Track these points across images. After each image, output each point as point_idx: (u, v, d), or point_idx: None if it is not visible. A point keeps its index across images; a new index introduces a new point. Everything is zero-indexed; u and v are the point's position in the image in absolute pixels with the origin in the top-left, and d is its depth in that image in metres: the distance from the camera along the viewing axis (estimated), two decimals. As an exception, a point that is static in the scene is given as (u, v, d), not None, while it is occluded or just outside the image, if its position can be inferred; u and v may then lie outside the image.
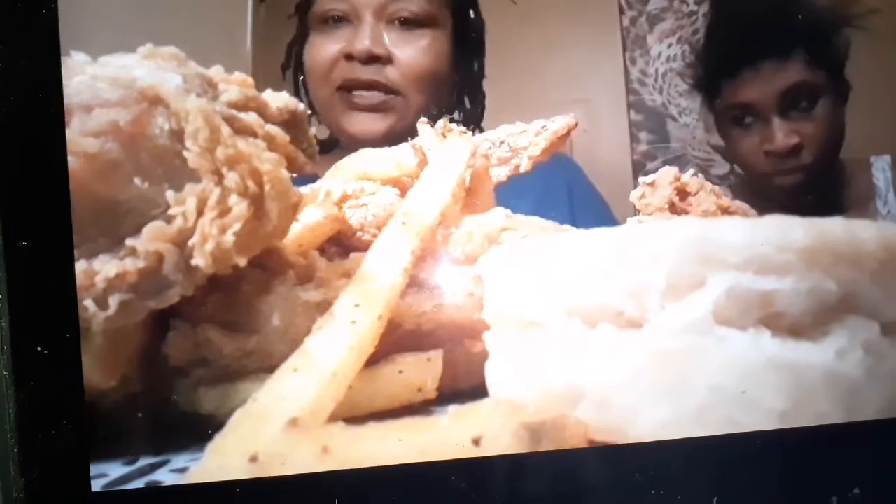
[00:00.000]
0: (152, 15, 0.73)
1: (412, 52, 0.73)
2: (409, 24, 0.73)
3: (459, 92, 0.80)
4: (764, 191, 0.98)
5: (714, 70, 0.99)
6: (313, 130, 0.53)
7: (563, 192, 0.76)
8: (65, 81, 0.43)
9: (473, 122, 0.83)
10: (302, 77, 0.77)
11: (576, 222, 0.55)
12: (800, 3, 0.98)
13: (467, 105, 0.80)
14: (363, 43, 0.71)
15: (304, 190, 0.55)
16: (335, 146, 0.75)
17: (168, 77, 0.45)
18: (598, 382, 0.40)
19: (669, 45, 0.98)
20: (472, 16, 0.77)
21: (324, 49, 0.73)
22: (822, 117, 0.95)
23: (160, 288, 0.42)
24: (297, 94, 0.76)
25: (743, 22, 0.99)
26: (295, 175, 0.48)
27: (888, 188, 0.92)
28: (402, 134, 0.57)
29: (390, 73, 0.73)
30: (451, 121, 0.60)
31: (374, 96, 0.73)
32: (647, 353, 0.39)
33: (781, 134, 0.94)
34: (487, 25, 0.85)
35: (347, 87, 0.73)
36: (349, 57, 0.72)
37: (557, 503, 0.43)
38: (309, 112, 0.67)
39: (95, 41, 0.47)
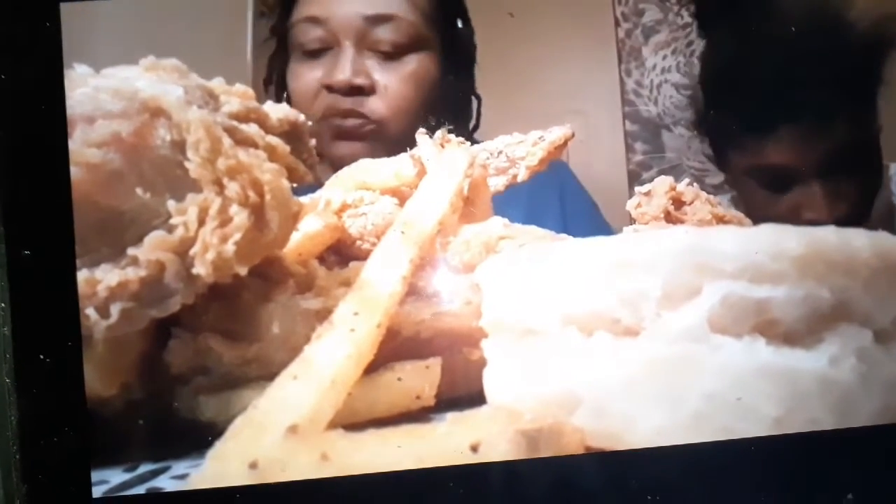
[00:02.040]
0: (154, 27, 0.73)
1: (396, 83, 0.70)
2: (389, 56, 0.70)
3: (446, 104, 0.77)
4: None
5: (738, 123, 0.82)
6: (313, 142, 0.53)
7: (554, 195, 0.74)
8: (68, 93, 0.44)
9: (465, 132, 0.80)
10: (285, 94, 0.75)
11: (567, 224, 0.54)
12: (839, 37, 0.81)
13: (454, 115, 0.78)
14: (344, 74, 0.69)
15: (304, 199, 0.55)
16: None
17: (170, 89, 0.45)
18: (595, 389, 0.40)
19: (664, 57, 0.99)
20: (459, 26, 0.74)
21: (305, 78, 0.71)
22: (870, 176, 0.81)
23: (161, 297, 0.42)
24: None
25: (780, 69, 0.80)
26: (295, 185, 0.48)
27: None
28: (385, 156, 0.56)
29: (373, 104, 0.70)
30: (450, 131, 0.61)
31: (356, 123, 0.70)
32: (643, 361, 0.39)
33: (824, 204, 0.79)
34: (484, 38, 0.85)
35: (329, 115, 0.70)
36: (330, 88, 0.70)
37: (555, 509, 0.44)
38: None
39: (98, 53, 0.48)
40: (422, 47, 0.72)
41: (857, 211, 0.82)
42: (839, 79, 0.78)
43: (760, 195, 0.82)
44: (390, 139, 0.71)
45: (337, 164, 0.58)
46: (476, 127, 0.81)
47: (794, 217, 0.81)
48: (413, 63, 0.71)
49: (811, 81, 0.79)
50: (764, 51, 0.81)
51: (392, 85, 0.70)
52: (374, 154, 0.59)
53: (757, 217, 0.73)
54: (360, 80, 0.69)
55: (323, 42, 0.70)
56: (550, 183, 0.73)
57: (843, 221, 0.71)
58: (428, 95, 0.73)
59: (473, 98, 0.80)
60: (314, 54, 0.70)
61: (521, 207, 0.56)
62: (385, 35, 0.70)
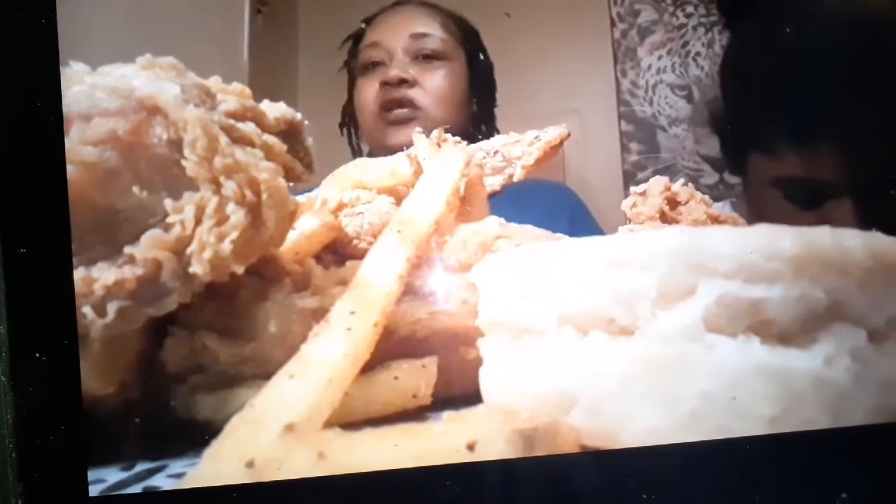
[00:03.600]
0: (151, 25, 0.73)
1: (433, 79, 0.93)
2: (430, 58, 0.93)
3: (476, 122, 0.97)
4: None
5: (774, 125, 0.73)
6: (310, 140, 0.53)
7: (564, 222, 0.86)
8: (64, 91, 0.43)
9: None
10: (355, 129, 0.97)
11: None
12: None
13: (483, 131, 0.98)
14: (394, 71, 0.92)
15: (301, 198, 0.55)
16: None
17: (166, 87, 0.45)
18: (591, 389, 0.40)
19: (660, 58, 0.99)
20: (481, 58, 0.96)
21: (368, 87, 0.93)
22: None
23: (158, 295, 0.42)
24: (350, 144, 0.97)
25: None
26: (292, 184, 0.48)
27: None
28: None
29: (416, 94, 0.92)
30: (446, 131, 0.61)
31: (404, 111, 0.91)
32: (638, 360, 0.39)
33: (857, 223, 0.68)
34: (481, 36, 0.95)
35: (385, 108, 0.92)
36: (385, 84, 0.92)
37: (550, 508, 0.44)
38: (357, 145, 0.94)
39: (94, 51, 0.48)
40: (451, 58, 0.94)
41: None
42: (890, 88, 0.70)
43: (784, 208, 0.74)
44: (434, 122, 0.90)
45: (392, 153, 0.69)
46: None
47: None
48: (445, 68, 0.94)
49: (861, 89, 0.71)
50: (806, 54, 0.73)
51: (429, 80, 0.92)
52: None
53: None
54: (405, 75, 0.92)
55: (379, 58, 0.93)
56: (560, 210, 0.87)
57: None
58: (457, 98, 0.95)
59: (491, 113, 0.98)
60: (372, 68, 0.93)
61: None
62: (425, 45, 0.93)
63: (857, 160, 0.71)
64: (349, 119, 0.99)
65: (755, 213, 0.77)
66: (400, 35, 0.94)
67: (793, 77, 0.73)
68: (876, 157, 0.70)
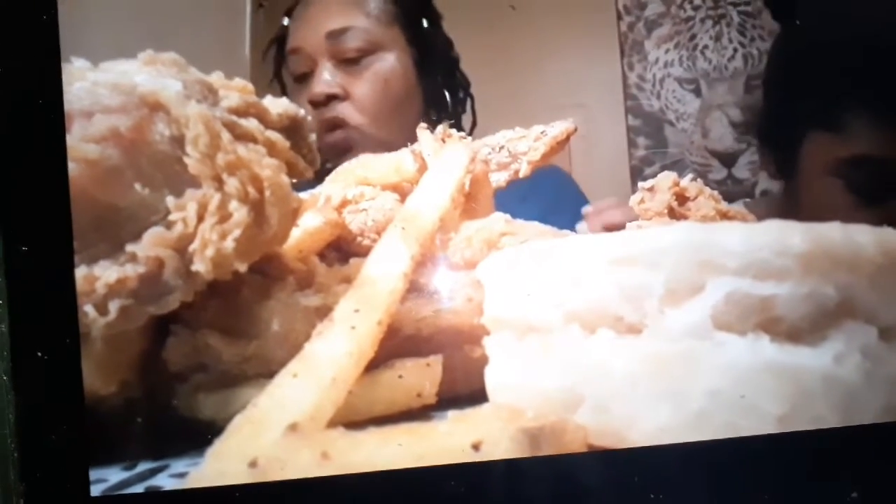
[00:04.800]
0: (152, 21, 0.73)
1: (362, 86, 0.79)
2: (355, 61, 0.80)
3: (432, 95, 0.83)
4: None
5: (842, 95, 0.65)
6: (313, 137, 0.53)
7: (550, 195, 0.78)
8: (65, 87, 0.43)
9: (454, 117, 0.87)
10: None
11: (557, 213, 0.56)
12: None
13: (445, 105, 0.85)
14: (318, 87, 0.79)
15: (304, 195, 0.55)
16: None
17: (168, 83, 0.45)
18: (598, 387, 0.40)
19: (667, 51, 0.99)
20: (425, 25, 0.82)
21: (300, 103, 0.79)
22: None
23: (160, 293, 0.42)
24: None
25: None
26: (295, 181, 0.48)
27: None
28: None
29: (345, 110, 0.79)
30: (451, 126, 0.60)
31: (339, 135, 0.79)
32: (645, 358, 0.39)
33: None
34: (486, 32, 0.89)
35: (322, 132, 0.78)
36: (313, 104, 0.79)
37: (557, 508, 0.43)
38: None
39: (96, 47, 0.48)
40: (382, 49, 0.80)
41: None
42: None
43: (845, 201, 0.65)
44: (375, 141, 0.78)
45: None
46: (474, 124, 0.85)
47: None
48: (374, 63, 0.80)
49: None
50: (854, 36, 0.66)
51: (358, 87, 0.79)
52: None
53: None
54: (331, 89, 0.79)
55: (307, 66, 0.80)
56: (545, 190, 0.77)
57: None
58: (399, 93, 0.81)
59: (464, 95, 0.87)
60: (302, 79, 0.80)
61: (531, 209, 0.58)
62: (345, 44, 0.79)
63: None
64: None
65: (806, 210, 0.70)
66: (317, 35, 0.80)
67: (867, 43, 0.65)
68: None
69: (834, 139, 0.67)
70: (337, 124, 0.79)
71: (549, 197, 0.77)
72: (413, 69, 0.82)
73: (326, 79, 0.79)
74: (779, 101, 0.76)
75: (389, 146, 0.59)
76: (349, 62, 0.79)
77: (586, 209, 0.67)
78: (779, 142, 0.74)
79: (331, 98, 0.79)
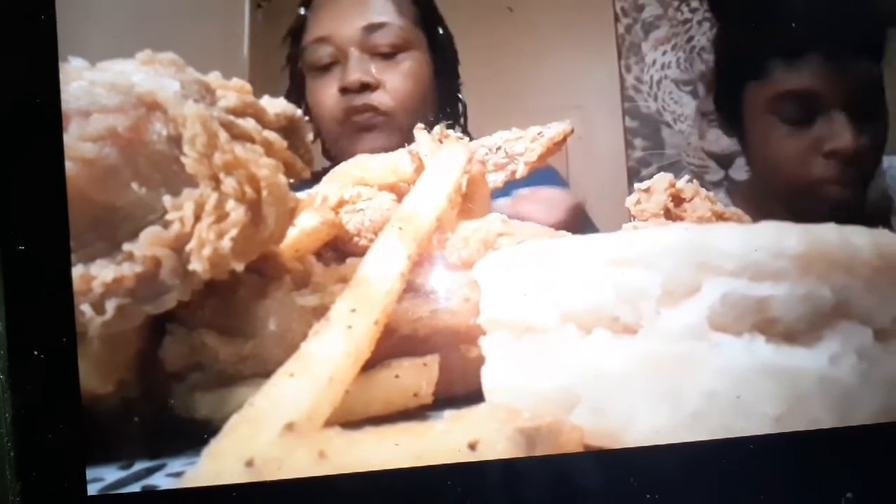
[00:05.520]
0: (150, 21, 0.73)
1: (397, 79, 0.83)
2: (388, 55, 0.83)
3: (441, 101, 0.88)
4: (793, 200, 0.84)
5: (763, 48, 0.84)
6: (310, 137, 0.53)
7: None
8: (63, 87, 0.43)
9: (455, 124, 0.91)
10: (304, 108, 0.85)
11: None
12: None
13: (448, 111, 0.89)
14: (353, 75, 0.82)
15: (301, 195, 0.55)
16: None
17: (166, 83, 0.45)
18: (594, 388, 0.40)
19: (664, 53, 0.99)
20: (440, 32, 0.86)
21: (322, 91, 0.83)
22: (883, 120, 0.81)
23: (157, 293, 0.42)
24: None
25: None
26: (292, 180, 0.48)
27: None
28: (395, 148, 0.63)
29: (381, 98, 0.82)
30: (448, 127, 0.60)
31: (369, 116, 0.82)
32: (642, 359, 0.39)
33: (849, 134, 0.80)
34: (483, 33, 0.91)
35: (348, 116, 0.82)
36: (344, 90, 0.82)
37: (553, 508, 0.43)
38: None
39: (93, 46, 0.48)
40: (412, 47, 0.85)
41: (863, 172, 0.83)
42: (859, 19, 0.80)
43: (781, 132, 0.82)
44: (400, 129, 0.81)
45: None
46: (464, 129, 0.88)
47: (816, 149, 0.81)
48: (408, 61, 0.84)
49: (836, 15, 0.81)
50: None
51: (392, 80, 0.83)
52: (391, 144, 0.65)
53: (777, 157, 0.81)
54: (367, 78, 0.82)
55: (332, 57, 0.83)
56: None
57: (844, 196, 0.80)
58: (424, 90, 0.86)
59: (462, 111, 0.92)
60: (325, 69, 0.83)
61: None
62: (381, 39, 0.83)
63: (838, 76, 0.80)
64: (301, 102, 0.86)
65: (755, 149, 0.86)
66: (351, 27, 0.83)
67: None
68: (852, 76, 0.80)
69: (763, 84, 0.84)
70: (367, 109, 0.82)
71: None
72: (431, 70, 0.86)
73: (361, 68, 0.82)
74: (721, 67, 0.91)
75: (409, 139, 0.61)
76: (382, 56, 0.82)
77: (521, 191, 0.68)
78: (726, 102, 0.89)
79: (364, 86, 0.82)
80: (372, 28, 0.83)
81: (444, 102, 0.88)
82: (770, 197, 0.87)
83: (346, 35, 0.83)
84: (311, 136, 0.53)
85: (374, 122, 0.82)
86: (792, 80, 0.82)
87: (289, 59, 0.87)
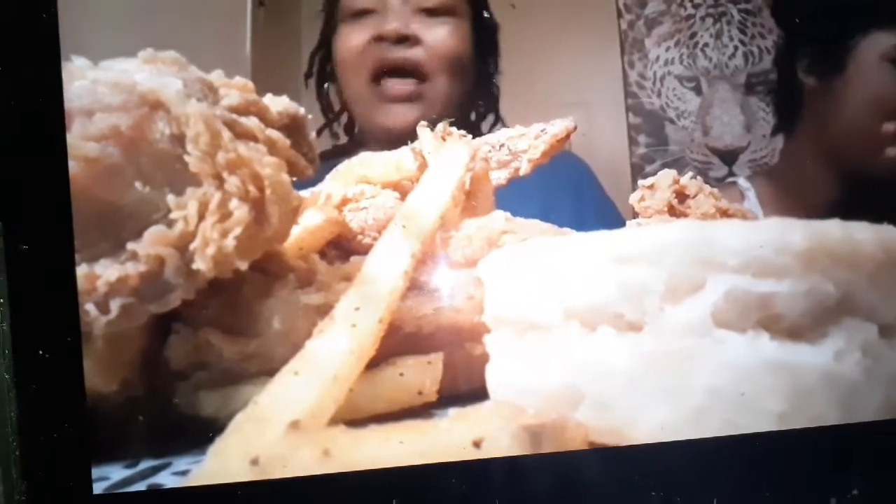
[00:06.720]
0: (153, 19, 0.73)
1: (437, 35, 0.77)
2: (432, 12, 0.77)
3: (478, 84, 0.83)
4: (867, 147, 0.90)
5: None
6: (313, 135, 0.53)
7: (570, 189, 0.78)
8: (65, 86, 0.43)
9: (491, 110, 0.86)
10: (326, 85, 0.81)
11: (583, 223, 0.56)
12: None
13: (481, 100, 0.84)
14: (392, 24, 0.76)
15: (305, 193, 0.55)
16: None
17: (169, 82, 0.45)
18: (598, 385, 0.40)
19: (667, 49, 0.99)
20: (485, 15, 0.81)
21: (355, 37, 0.77)
22: None
23: (161, 292, 0.42)
24: (319, 100, 0.79)
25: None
26: (295, 179, 0.48)
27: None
28: (433, 124, 0.59)
29: (418, 53, 0.76)
30: (451, 124, 0.60)
31: (406, 84, 0.76)
32: (646, 356, 0.39)
33: None
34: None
35: (380, 70, 0.76)
36: (379, 39, 0.76)
37: (557, 505, 0.44)
38: (331, 118, 0.75)
39: (96, 46, 0.47)
40: (457, 14, 0.79)
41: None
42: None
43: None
44: (435, 103, 0.76)
45: (384, 137, 0.60)
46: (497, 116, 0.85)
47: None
48: (450, 24, 0.78)
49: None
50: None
51: (433, 37, 0.77)
52: (419, 119, 0.61)
53: (883, 106, 0.87)
54: (407, 30, 0.76)
55: (372, 4, 0.76)
56: (567, 178, 0.77)
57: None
58: (463, 60, 0.79)
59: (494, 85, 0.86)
60: (361, 15, 0.77)
61: (536, 201, 0.57)
62: None
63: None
64: (324, 72, 0.81)
65: (856, 97, 0.91)
66: None
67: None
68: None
69: (886, 34, 0.90)
70: (406, 68, 0.76)
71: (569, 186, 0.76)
72: (471, 49, 0.81)
73: (402, 19, 0.76)
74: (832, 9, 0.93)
75: (450, 110, 0.58)
76: (425, 11, 0.78)
77: None
78: (831, 40, 0.92)
79: (402, 39, 0.76)
80: None
81: (479, 87, 0.84)
82: (824, 152, 0.91)
83: None
84: (313, 135, 0.53)
85: (409, 91, 0.76)
86: None
87: (325, 4, 0.81)
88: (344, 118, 0.82)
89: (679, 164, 0.98)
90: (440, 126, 0.60)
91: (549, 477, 0.42)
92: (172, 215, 0.42)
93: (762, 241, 0.38)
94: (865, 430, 0.39)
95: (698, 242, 0.39)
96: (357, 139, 0.82)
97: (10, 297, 0.41)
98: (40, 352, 0.41)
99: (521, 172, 0.63)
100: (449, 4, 0.79)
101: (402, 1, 0.77)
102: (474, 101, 0.78)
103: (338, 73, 0.80)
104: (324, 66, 0.82)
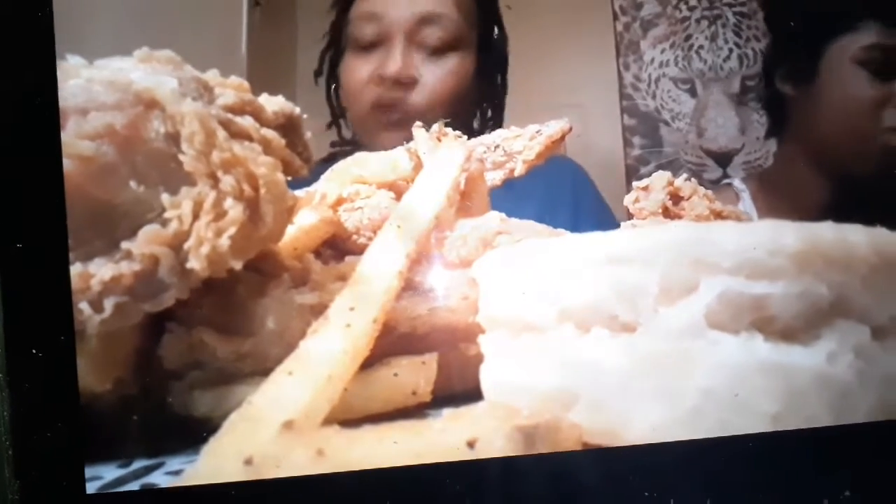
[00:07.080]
0: (148, 18, 0.73)
1: (438, 77, 0.78)
2: (436, 50, 0.78)
3: (480, 105, 0.83)
4: (847, 149, 0.91)
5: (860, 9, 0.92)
6: (308, 134, 0.53)
7: (567, 197, 0.78)
8: (60, 84, 0.43)
9: (498, 124, 0.87)
10: (335, 85, 0.82)
11: (578, 227, 0.56)
12: None
13: (487, 116, 0.85)
14: (395, 66, 0.77)
15: (300, 193, 0.55)
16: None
17: (164, 80, 0.45)
18: (592, 385, 0.40)
19: (663, 51, 0.99)
20: (496, 33, 0.81)
21: (358, 70, 0.78)
22: None
23: (155, 291, 0.42)
24: (328, 100, 0.81)
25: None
26: (290, 178, 0.48)
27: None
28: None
29: (415, 97, 0.77)
30: (446, 125, 0.60)
31: (398, 117, 0.77)
32: (640, 357, 0.39)
33: None
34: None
35: (378, 106, 0.78)
36: (381, 79, 0.77)
37: (551, 506, 0.44)
38: (338, 116, 0.77)
39: (91, 44, 0.47)
40: (462, 46, 0.80)
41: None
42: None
43: (863, 81, 0.91)
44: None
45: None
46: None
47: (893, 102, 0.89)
48: (454, 60, 0.79)
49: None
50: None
51: (433, 80, 0.78)
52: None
53: (853, 104, 0.89)
54: (407, 73, 0.77)
55: (377, 36, 0.77)
56: (563, 185, 0.77)
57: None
58: (462, 92, 0.81)
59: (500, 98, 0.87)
60: (367, 48, 0.78)
61: (531, 202, 0.57)
62: (433, 32, 0.78)
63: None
64: (332, 77, 0.82)
65: (830, 99, 0.94)
66: (405, 12, 0.77)
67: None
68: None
69: (853, 37, 0.91)
70: (400, 106, 0.77)
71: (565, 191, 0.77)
72: (474, 72, 0.82)
73: (404, 60, 0.77)
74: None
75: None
76: (428, 49, 0.78)
77: None
78: (801, 50, 0.95)
79: (402, 82, 0.78)
80: (427, 18, 0.78)
81: (483, 102, 0.84)
82: (813, 155, 0.93)
83: (398, 18, 0.78)
84: (309, 134, 0.53)
85: (400, 119, 0.78)
86: (881, 34, 0.90)
87: (332, 27, 0.82)
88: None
89: (674, 166, 0.98)
90: (435, 127, 0.60)
91: (544, 477, 0.42)
92: (167, 214, 0.42)
93: (756, 243, 0.38)
94: (858, 432, 0.39)
95: (692, 244, 0.39)
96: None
97: (4, 295, 0.41)
98: (34, 351, 0.41)
99: (516, 173, 0.64)
100: (454, 38, 0.79)
101: (407, 35, 0.77)
102: (480, 113, 0.78)
103: (342, 93, 0.81)
104: (333, 67, 0.83)
